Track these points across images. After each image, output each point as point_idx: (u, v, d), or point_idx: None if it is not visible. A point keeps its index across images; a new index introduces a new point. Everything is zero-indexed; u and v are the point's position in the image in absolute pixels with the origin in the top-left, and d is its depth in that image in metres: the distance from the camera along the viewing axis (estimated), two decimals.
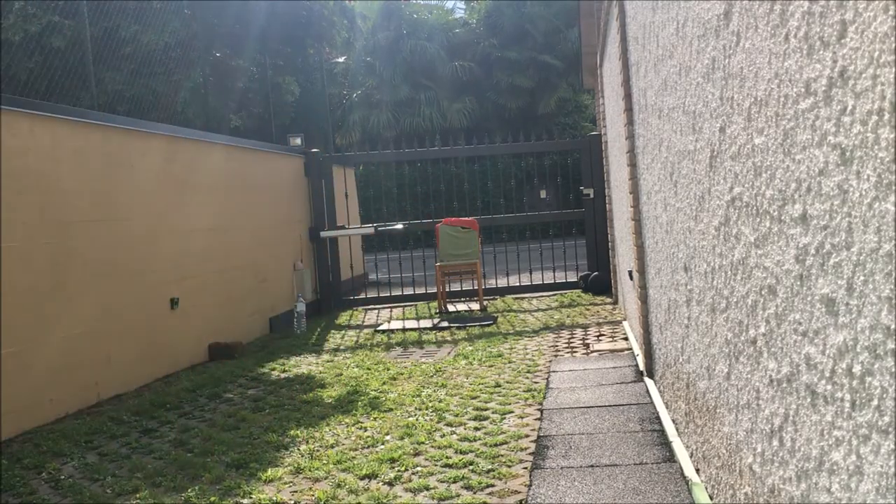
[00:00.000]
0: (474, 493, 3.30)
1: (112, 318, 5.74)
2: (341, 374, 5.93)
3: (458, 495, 3.28)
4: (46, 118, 5.21)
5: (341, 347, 7.26)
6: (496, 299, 9.91)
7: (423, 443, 4.03)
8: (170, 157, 6.76)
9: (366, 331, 8.15)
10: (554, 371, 5.51)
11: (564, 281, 10.29)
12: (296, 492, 3.48)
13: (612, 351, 6.07)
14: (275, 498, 3.41)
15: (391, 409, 4.76)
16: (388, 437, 4.18)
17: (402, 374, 5.79)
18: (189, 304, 6.80)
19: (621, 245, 7.05)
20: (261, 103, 13.69)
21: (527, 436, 4.03)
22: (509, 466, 3.59)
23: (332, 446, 4.11)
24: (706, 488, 2.88)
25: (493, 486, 3.37)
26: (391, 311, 9.67)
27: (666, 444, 3.69)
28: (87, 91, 7.90)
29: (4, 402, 4.61)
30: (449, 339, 7.29)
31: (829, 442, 1.41)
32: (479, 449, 3.87)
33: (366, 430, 4.35)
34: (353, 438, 4.23)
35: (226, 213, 7.68)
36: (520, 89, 24.38)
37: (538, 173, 19.10)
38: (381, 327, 8.22)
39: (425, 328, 7.99)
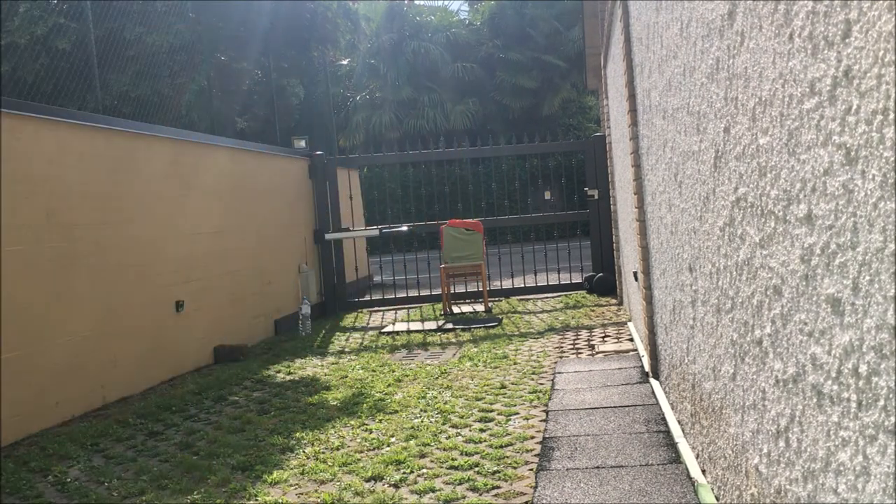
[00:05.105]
0: (480, 494, 3.30)
1: (118, 320, 5.76)
2: (346, 377, 5.93)
3: (463, 497, 3.28)
4: (51, 122, 5.22)
5: (346, 349, 7.26)
6: (501, 301, 9.91)
7: (428, 444, 4.03)
8: (175, 160, 6.77)
9: (371, 333, 8.15)
10: (559, 372, 5.51)
11: (569, 282, 10.27)
12: (301, 494, 3.48)
13: (617, 352, 6.06)
14: (280, 500, 3.41)
15: (396, 411, 4.76)
16: (393, 439, 4.18)
17: (407, 375, 5.79)
18: (194, 306, 6.82)
19: (626, 246, 7.04)
20: (265, 106, 13.72)
21: (532, 437, 4.03)
22: (515, 468, 3.58)
23: (337, 448, 4.11)
24: (712, 489, 2.88)
25: (498, 487, 3.37)
26: (396, 312, 9.67)
27: (672, 445, 3.68)
28: (93, 93, 7.94)
29: (11, 405, 4.62)
30: (454, 340, 7.29)
31: (835, 442, 1.40)
32: (484, 451, 3.87)
33: (371, 432, 4.35)
34: (359, 440, 4.23)
35: (231, 215, 7.70)
36: (523, 90, 24.36)
37: (542, 174, 19.10)
38: (385, 329, 8.23)
39: (430, 330, 7.99)
